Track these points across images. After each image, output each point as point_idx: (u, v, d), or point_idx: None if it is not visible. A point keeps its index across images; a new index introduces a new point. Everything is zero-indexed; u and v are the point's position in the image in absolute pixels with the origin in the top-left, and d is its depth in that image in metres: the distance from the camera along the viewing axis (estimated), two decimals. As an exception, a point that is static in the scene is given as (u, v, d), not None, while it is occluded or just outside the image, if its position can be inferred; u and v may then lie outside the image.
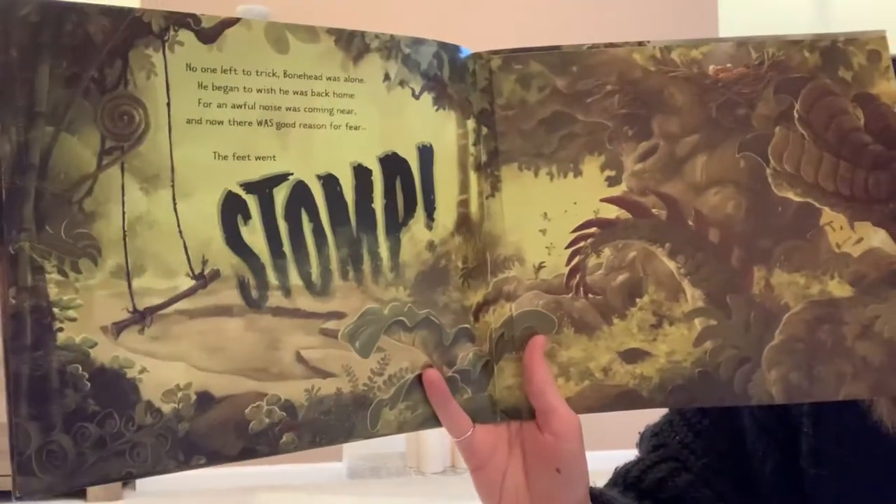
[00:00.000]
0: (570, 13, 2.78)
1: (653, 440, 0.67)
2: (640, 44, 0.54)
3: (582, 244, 0.54)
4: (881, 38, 0.54)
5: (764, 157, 0.53)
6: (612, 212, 0.54)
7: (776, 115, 0.53)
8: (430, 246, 0.51)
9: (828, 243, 0.52)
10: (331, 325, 0.48)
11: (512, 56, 0.54)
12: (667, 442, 0.66)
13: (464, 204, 0.52)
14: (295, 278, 0.47)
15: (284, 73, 0.46)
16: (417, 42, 0.50)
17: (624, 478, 0.66)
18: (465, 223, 0.52)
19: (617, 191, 0.53)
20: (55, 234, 0.42)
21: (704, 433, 0.65)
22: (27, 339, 0.41)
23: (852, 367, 0.51)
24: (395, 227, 0.50)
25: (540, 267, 0.53)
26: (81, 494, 2.41)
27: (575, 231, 0.54)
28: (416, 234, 0.50)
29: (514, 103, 0.53)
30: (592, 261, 0.54)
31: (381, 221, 0.49)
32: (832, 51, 0.53)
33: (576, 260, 0.54)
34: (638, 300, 0.53)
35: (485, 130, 0.53)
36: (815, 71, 0.53)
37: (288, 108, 0.46)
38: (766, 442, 0.63)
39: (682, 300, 0.53)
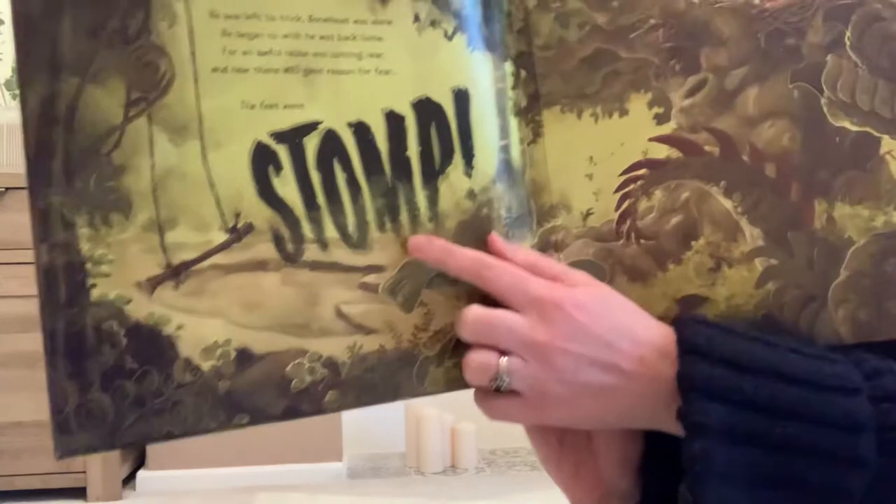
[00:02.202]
0: None
1: None
2: None
3: (631, 187, 0.51)
4: None
5: (817, 86, 0.50)
6: (662, 151, 0.51)
7: (827, 43, 0.50)
8: (471, 194, 0.49)
9: (889, 172, 0.50)
10: (370, 278, 0.47)
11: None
12: None
13: (505, 150, 0.50)
14: (331, 230, 0.46)
15: (310, 18, 0.45)
16: None
17: None
18: (506, 170, 0.50)
19: (666, 129, 0.51)
20: (84, 188, 0.41)
21: None
22: (61, 296, 0.41)
23: None
24: (433, 175, 0.48)
25: (588, 214, 0.51)
26: (81, 494, 2.44)
27: (623, 174, 0.51)
28: (455, 182, 0.48)
29: (553, 43, 0.51)
30: (643, 204, 0.51)
31: (416, 170, 0.47)
32: None
33: (625, 204, 0.51)
34: (693, 243, 0.51)
35: (523, 74, 0.51)
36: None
37: (315, 54, 0.45)
38: None
39: (741, 240, 0.50)
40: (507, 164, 0.50)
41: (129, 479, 2.57)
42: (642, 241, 0.51)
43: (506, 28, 0.51)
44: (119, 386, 0.42)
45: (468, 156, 0.49)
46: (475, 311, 0.46)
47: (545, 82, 0.51)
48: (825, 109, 0.50)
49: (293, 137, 0.45)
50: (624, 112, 0.51)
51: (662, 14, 0.51)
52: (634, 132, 0.51)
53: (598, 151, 0.51)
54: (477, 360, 0.45)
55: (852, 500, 0.41)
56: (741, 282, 0.50)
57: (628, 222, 0.51)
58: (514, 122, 0.50)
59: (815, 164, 0.50)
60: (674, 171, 0.51)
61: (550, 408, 0.45)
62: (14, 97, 2.24)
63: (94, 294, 0.41)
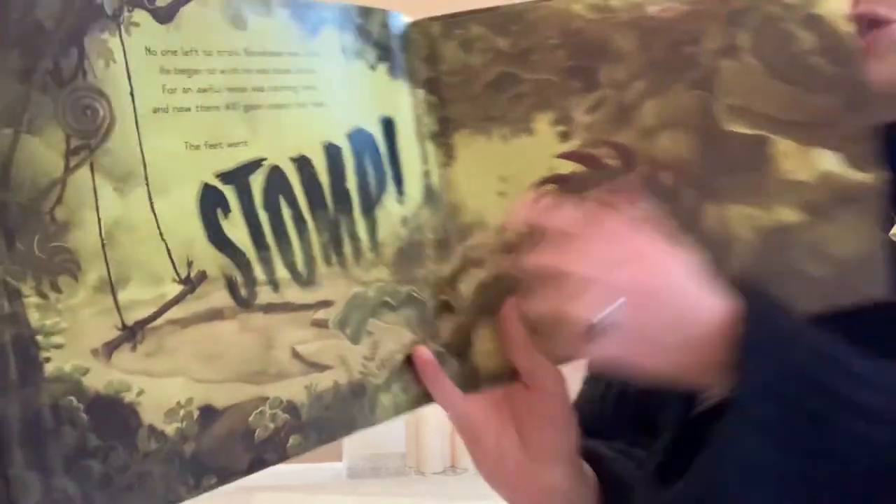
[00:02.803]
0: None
1: None
2: None
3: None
4: None
5: (712, 93, 0.53)
6: (567, 167, 0.54)
7: (723, 48, 0.53)
8: (404, 221, 0.49)
9: (779, 172, 0.53)
10: (321, 314, 0.46)
11: (451, 21, 0.53)
12: None
13: (427, 175, 0.51)
14: (281, 270, 0.44)
15: (245, 51, 0.43)
16: (366, 11, 0.48)
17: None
18: (430, 194, 0.51)
19: (570, 145, 0.53)
20: (28, 252, 0.36)
21: None
22: (12, 376, 0.36)
23: (803, 289, 0.53)
24: (370, 205, 0.48)
25: (503, 230, 0.53)
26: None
27: (533, 190, 0.54)
28: (390, 210, 0.48)
29: (459, 69, 0.52)
30: None
31: (356, 201, 0.47)
32: None
33: None
34: None
35: (433, 99, 0.52)
36: (757, 1, 0.53)
37: (254, 89, 0.43)
38: None
39: None
40: (429, 189, 0.51)
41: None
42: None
43: (415, 56, 0.51)
44: (84, 467, 0.37)
45: (398, 182, 0.49)
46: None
47: (454, 107, 0.52)
48: (719, 115, 0.52)
49: (239, 176, 0.42)
50: (530, 131, 0.53)
51: (561, 34, 0.53)
52: (541, 150, 0.53)
53: (509, 170, 0.53)
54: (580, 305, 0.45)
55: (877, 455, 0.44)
56: None
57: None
58: (430, 147, 0.51)
59: (708, 169, 0.53)
60: (579, 185, 0.54)
61: (637, 351, 0.46)
62: None
63: (49, 369, 0.37)
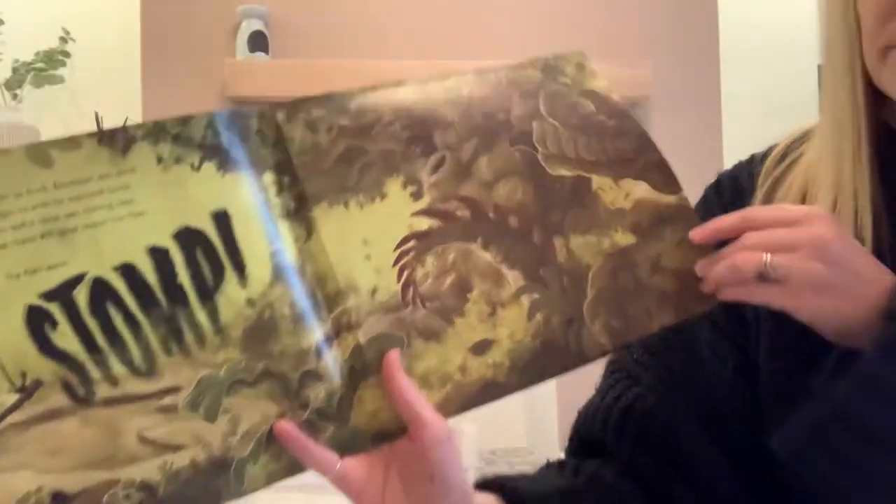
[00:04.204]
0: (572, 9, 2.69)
1: (610, 366, 0.72)
2: (399, 83, 0.60)
3: (406, 259, 0.56)
4: (580, 53, 0.68)
5: (532, 146, 0.61)
6: (424, 223, 0.57)
7: (529, 113, 0.62)
8: (250, 302, 0.53)
9: (604, 204, 0.60)
10: (167, 401, 0.50)
11: (294, 107, 0.57)
12: (622, 362, 0.71)
13: (278, 253, 0.54)
14: (118, 367, 0.50)
15: (55, 185, 0.49)
16: (185, 120, 0.53)
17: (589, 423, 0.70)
18: (283, 271, 0.54)
19: (422, 203, 0.58)
20: None
21: (655, 348, 0.70)
22: None
23: (655, 301, 0.58)
24: (208, 293, 0.52)
25: (374, 291, 0.55)
26: None
27: (396, 248, 0.56)
28: (232, 294, 0.52)
29: (308, 148, 0.56)
30: (420, 272, 0.56)
31: (191, 293, 0.52)
32: (548, 67, 0.66)
33: (405, 275, 0.56)
34: (469, 295, 0.57)
35: (286, 180, 0.56)
36: (542, 83, 0.64)
37: (67, 215, 0.49)
38: (726, 345, 0.68)
39: (506, 284, 0.57)
40: (282, 266, 0.54)
41: None
42: (427, 303, 0.56)
43: (259, 144, 0.56)
44: None
45: (240, 268, 0.53)
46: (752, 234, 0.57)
47: (309, 183, 0.56)
48: (543, 163, 0.60)
49: (62, 293, 0.49)
50: (384, 196, 0.57)
51: (393, 112, 0.59)
52: (397, 211, 0.57)
53: (371, 234, 0.56)
54: (745, 256, 0.55)
55: None
56: (516, 319, 0.56)
57: (411, 290, 0.56)
58: (284, 226, 0.55)
59: (546, 208, 0.59)
60: (438, 238, 0.57)
61: (804, 297, 0.55)
62: (14, 97, 2.26)
63: None
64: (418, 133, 0.58)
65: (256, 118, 0.56)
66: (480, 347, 0.56)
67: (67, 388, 0.49)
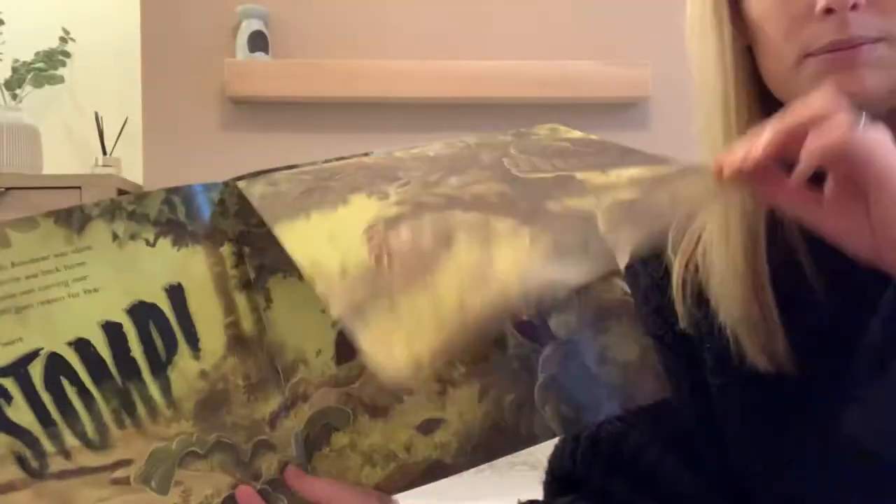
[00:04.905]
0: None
1: None
2: (366, 154, 0.60)
3: (374, 241, 0.55)
4: (553, 125, 0.64)
5: (504, 169, 0.55)
6: (392, 210, 0.54)
7: (497, 157, 0.58)
8: (203, 374, 0.54)
9: (592, 185, 0.53)
10: (120, 473, 0.52)
11: (255, 175, 0.57)
12: None
13: (233, 325, 0.55)
14: (71, 440, 0.51)
15: (12, 265, 0.51)
16: (140, 197, 0.54)
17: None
18: (238, 343, 0.55)
19: (390, 201, 0.54)
20: None
21: None
22: None
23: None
24: (161, 367, 0.53)
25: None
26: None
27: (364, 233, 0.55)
28: (184, 368, 0.54)
29: (269, 195, 0.56)
30: None
31: (144, 367, 0.53)
32: (519, 133, 0.62)
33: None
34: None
35: (247, 250, 0.56)
36: (512, 141, 0.60)
37: (23, 293, 0.51)
38: (680, 366, 0.69)
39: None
40: (238, 338, 0.55)
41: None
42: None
43: (220, 215, 0.56)
44: None
45: (193, 341, 0.54)
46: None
47: (267, 254, 0.56)
48: (520, 174, 0.54)
49: (16, 369, 0.50)
50: (347, 202, 0.54)
51: (357, 167, 0.57)
52: (362, 212, 0.53)
53: (336, 231, 0.55)
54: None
55: None
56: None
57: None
58: (241, 297, 0.56)
59: (525, 198, 0.53)
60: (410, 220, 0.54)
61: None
62: (14, 97, 2.28)
63: None
64: (384, 173, 0.56)
65: (220, 189, 0.56)
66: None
67: (21, 461, 0.50)
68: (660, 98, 2.58)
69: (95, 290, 0.52)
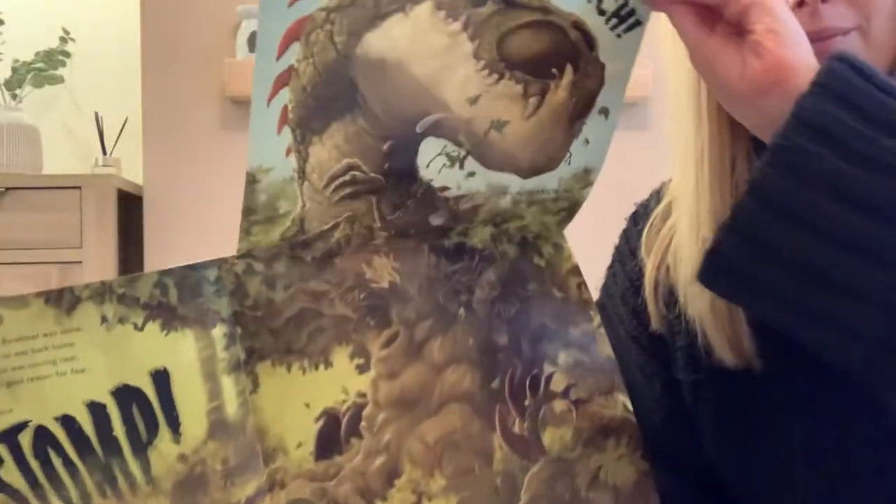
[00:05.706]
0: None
1: None
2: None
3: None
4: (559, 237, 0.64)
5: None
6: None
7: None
8: (182, 457, 0.56)
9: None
10: None
11: (254, 260, 0.58)
12: None
13: (216, 410, 0.57)
14: (56, 502, 0.53)
15: (3, 341, 0.53)
16: (133, 279, 0.56)
17: None
18: (221, 427, 0.57)
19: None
20: None
21: None
22: None
23: None
24: (141, 448, 0.55)
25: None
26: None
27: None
28: (164, 450, 0.56)
29: (262, 303, 0.57)
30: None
31: (125, 446, 0.55)
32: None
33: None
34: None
35: (240, 331, 0.57)
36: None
37: (14, 369, 0.53)
38: (653, 365, 0.70)
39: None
40: (220, 422, 0.57)
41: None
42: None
43: (215, 294, 0.57)
44: None
45: (174, 425, 0.56)
46: None
47: (257, 339, 0.57)
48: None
49: (8, 437, 0.53)
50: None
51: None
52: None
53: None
54: None
55: None
56: None
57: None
58: (228, 381, 0.57)
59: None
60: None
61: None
62: (14, 97, 2.30)
63: None
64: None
65: (216, 267, 0.58)
66: None
67: None
68: (660, 98, 2.59)
69: (82, 371, 0.54)
